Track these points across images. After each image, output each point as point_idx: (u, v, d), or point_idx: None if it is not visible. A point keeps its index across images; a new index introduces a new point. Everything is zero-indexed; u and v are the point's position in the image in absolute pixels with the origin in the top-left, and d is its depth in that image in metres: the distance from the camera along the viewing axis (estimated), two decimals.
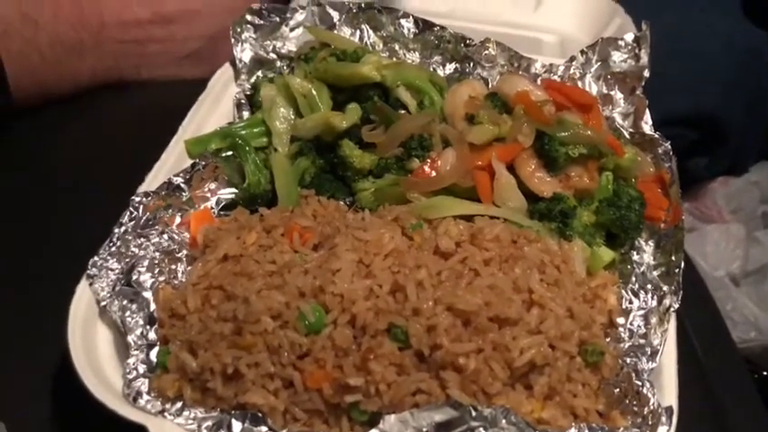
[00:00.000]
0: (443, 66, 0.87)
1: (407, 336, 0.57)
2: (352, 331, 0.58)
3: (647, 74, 0.80)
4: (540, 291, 0.61)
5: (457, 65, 0.86)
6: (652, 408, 0.58)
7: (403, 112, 0.78)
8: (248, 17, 0.86)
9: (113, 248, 0.66)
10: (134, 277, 0.64)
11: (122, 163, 0.81)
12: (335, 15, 0.87)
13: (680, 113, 1.34)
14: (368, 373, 0.56)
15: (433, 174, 0.71)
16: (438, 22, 1.19)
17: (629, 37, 0.84)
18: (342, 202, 0.76)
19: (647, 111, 0.79)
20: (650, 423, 0.57)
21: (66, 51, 0.89)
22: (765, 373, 1.33)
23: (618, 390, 0.61)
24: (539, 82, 0.84)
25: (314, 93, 0.78)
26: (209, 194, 0.75)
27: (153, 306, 0.63)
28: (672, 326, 0.64)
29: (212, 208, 0.75)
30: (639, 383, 0.60)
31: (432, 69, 0.86)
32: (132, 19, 0.92)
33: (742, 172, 1.59)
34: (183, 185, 0.73)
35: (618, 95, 0.83)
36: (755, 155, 1.58)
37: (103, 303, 0.63)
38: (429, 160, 0.72)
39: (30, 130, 0.87)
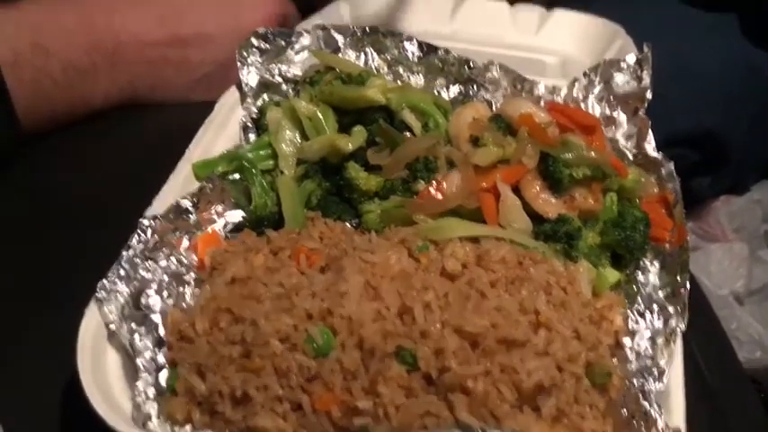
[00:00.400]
0: (447, 88, 0.87)
1: (416, 358, 0.57)
2: (361, 354, 0.58)
3: (649, 95, 0.81)
4: (546, 312, 0.61)
5: (461, 87, 0.87)
6: (660, 429, 0.58)
7: (408, 134, 0.79)
8: (254, 41, 0.87)
9: (122, 272, 0.67)
10: (143, 300, 0.65)
11: (131, 185, 0.81)
12: (340, 39, 0.88)
13: (682, 134, 1.35)
14: (376, 395, 0.56)
15: (439, 196, 0.72)
16: (441, 44, 1.21)
17: (631, 59, 0.85)
18: (348, 224, 0.77)
19: (650, 132, 0.80)
20: None
21: (80, 75, 0.90)
22: None
23: (625, 411, 0.61)
24: (542, 104, 0.85)
25: (320, 116, 0.79)
26: (216, 217, 0.76)
27: (162, 329, 0.63)
28: (678, 347, 0.64)
29: (220, 230, 0.76)
30: (647, 404, 0.60)
31: (436, 92, 0.87)
32: (149, 40, 0.93)
33: (744, 190, 1.59)
34: (190, 208, 0.74)
35: (621, 117, 0.84)
36: (757, 173, 1.59)
37: (112, 326, 0.64)
38: (435, 182, 0.72)
39: (37, 152, 0.88)
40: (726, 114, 1.40)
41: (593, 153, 0.74)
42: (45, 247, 0.78)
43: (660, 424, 0.58)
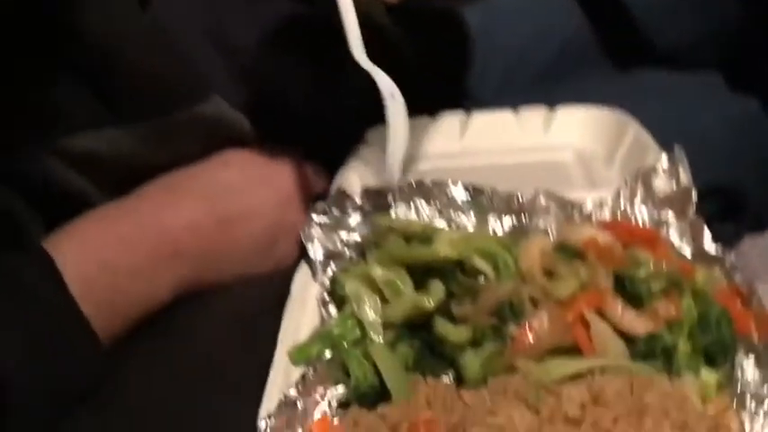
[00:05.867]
0: (500, 221, 0.92)
1: None
2: None
3: (695, 196, 0.86)
4: None
5: (512, 219, 0.91)
6: None
7: (482, 278, 0.82)
8: (314, 216, 0.91)
9: None
10: None
11: (220, 384, 0.83)
12: (389, 197, 0.93)
13: (702, 188, 1.40)
14: None
15: (534, 337, 0.75)
16: (457, 161, 1.26)
17: (665, 162, 0.90)
18: (446, 379, 0.79)
19: (706, 229, 0.84)
20: None
21: (146, 281, 0.92)
22: None
23: None
24: (593, 220, 0.90)
25: (396, 279, 0.82)
26: (320, 399, 0.78)
27: None
28: None
29: (326, 411, 0.78)
30: None
31: (490, 228, 0.91)
32: (203, 230, 0.96)
33: (765, 227, 1.64)
34: (297, 398, 0.76)
35: (670, 217, 0.88)
36: None
37: None
38: (527, 325, 0.76)
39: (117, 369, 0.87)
40: (735, 167, 1.45)
41: (663, 264, 0.78)
42: None
43: None
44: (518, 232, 0.91)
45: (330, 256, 0.91)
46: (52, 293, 0.82)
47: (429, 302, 0.80)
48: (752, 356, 0.75)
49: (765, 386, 0.72)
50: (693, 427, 0.66)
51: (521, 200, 0.91)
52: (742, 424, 0.70)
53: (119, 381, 0.87)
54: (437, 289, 0.82)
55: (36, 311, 0.82)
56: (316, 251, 0.90)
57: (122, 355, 0.89)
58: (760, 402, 0.71)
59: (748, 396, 0.72)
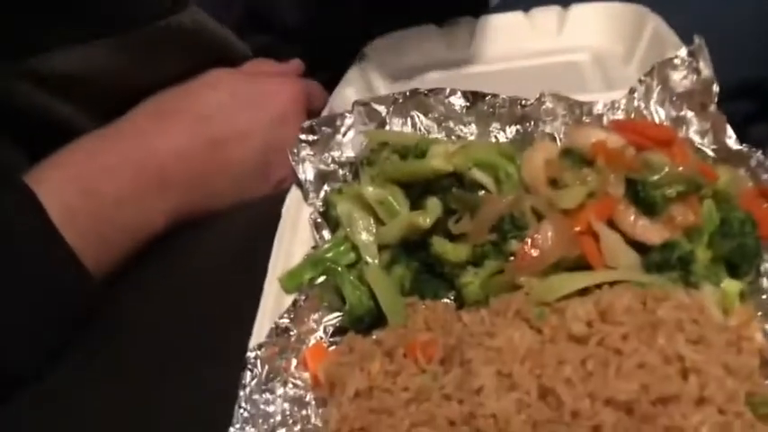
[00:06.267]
0: (504, 131, 0.85)
1: None
2: None
3: (716, 88, 0.78)
4: (690, 356, 0.58)
5: (517, 126, 0.84)
6: None
7: (482, 192, 0.76)
8: (303, 136, 0.85)
9: (245, 413, 0.66)
10: None
11: (215, 313, 0.80)
12: (383, 110, 0.86)
13: (728, 89, 1.31)
14: None
15: (536, 252, 0.69)
16: (465, 70, 1.18)
17: (683, 53, 0.82)
18: (446, 300, 0.75)
19: (728, 125, 0.77)
20: None
21: (134, 207, 0.88)
22: None
23: None
24: (605, 122, 0.82)
25: (390, 198, 0.77)
26: (314, 325, 0.75)
27: None
28: None
29: (321, 338, 0.74)
30: None
31: (493, 138, 0.84)
32: (188, 153, 0.91)
33: None
34: (289, 325, 0.73)
35: (689, 114, 0.80)
36: None
37: None
38: (528, 240, 0.70)
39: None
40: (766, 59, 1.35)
41: (680, 167, 0.71)
42: (142, 398, 0.75)
43: None
44: (522, 140, 0.84)
45: (322, 176, 0.86)
46: (32, 222, 0.79)
47: (425, 220, 0.75)
48: None
49: None
50: (711, 341, 0.61)
51: (525, 105, 0.83)
52: (766, 335, 0.64)
53: (116, 306, 0.85)
54: (434, 206, 0.76)
55: (18, 240, 0.79)
56: (306, 172, 0.85)
57: (120, 283, 0.87)
58: None
59: None
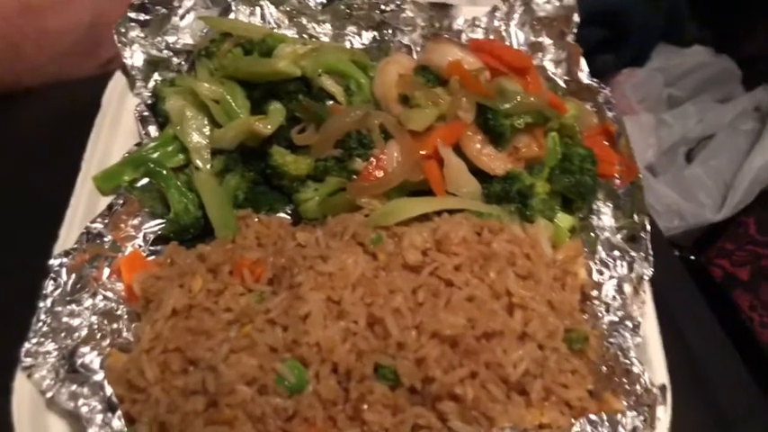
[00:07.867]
0: (360, 35, 0.79)
1: (397, 374, 0.54)
2: (337, 380, 0.54)
3: (576, 18, 0.76)
4: (518, 292, 0.58)
5: (374, 33, 0.79)
6: (644, 385, 0.57)
7: (330, 102, 0.71)
8: (131, 14, 0.74)
9: (44, 327, 0.59)
10: (78, 361, 0.57)
11: (22, 210, 0.71)
12: None
13: (587, 14, 1.32)
14: (363, 422, 0.53)
15: (380, 173, 0.66)
16: None
17: None
18: (283, 214, 0.71)
19: (582, 58, 0.76)
20: (647, 405, 0.57)
21: None
22: (692, 257, 1.40)
23: (605, 368, 0.60)
24: (464, 39, 0.78)
25: (228, 97, 0.69)
26: (133, 232, 0.67)
27: (109, 389, 0.56)
28: (649, 295, 0.63)
29: (140, 246, 0.67)
30: (628, 362, 0.59)
31: (348, 42, 0.78)
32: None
33: (644, 61, 1.61)
34: (103, 231, 0.65)
35: (546, 41, 0.79)
36: (655, 43, 1.59)
37: (49, 394, 0.56)
38: (373, 159, 0.66)
39: None
40: None
41: (532, 98, 0.69)
42: None
43: (644, 379, 0.58)
44: (378, 49, 0.79)
45: (153, 63, 0.75)
46: None
47: (266, 127, 0.68)
48: (610, 203, 0.70)
49: (619, 235, 0.68)
50: (540, 277, 0.61)
51: (384, 11, 0.77)
52: (590, 273, 0.66)
53: None
54: (276, 111, 0.70)
55: None
56: (134, 56, 0.75)
57: None
58: (611, 252, 0.67)
59: (600, 245, 0.67)
